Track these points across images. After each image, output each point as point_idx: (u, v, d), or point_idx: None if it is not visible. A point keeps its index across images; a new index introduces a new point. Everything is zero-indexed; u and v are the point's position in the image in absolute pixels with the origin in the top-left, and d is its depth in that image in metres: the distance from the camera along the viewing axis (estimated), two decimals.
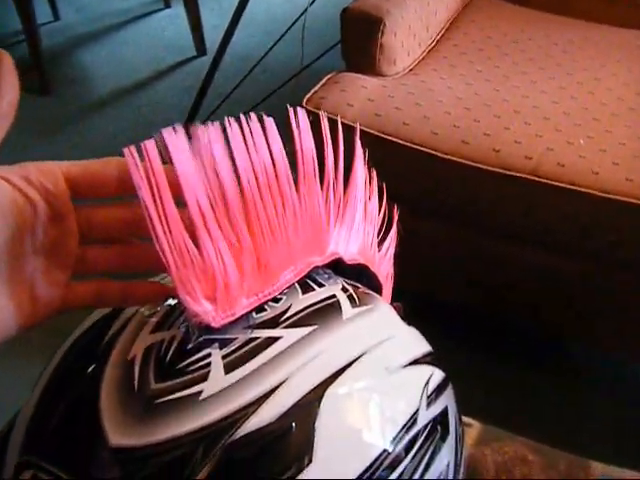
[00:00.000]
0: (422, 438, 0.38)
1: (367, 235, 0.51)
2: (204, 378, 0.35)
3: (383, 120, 1.15)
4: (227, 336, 0.37)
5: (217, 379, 0.35)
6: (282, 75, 1.94)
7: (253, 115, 0.40)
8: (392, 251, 0.58)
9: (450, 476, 0.40)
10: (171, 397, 0.35)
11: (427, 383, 0.41)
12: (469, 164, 1.09)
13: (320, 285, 0.43)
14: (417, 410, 0.39)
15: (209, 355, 0.36)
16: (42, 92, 2.42)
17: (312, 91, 1.22)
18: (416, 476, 0.38)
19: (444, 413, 0.41)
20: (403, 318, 0.47)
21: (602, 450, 0.98)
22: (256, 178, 0.39)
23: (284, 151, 0.41)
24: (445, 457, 0.40)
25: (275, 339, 0.38)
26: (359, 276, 0.50)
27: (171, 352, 0.37)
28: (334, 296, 0.42)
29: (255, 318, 0.39)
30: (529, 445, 0.66)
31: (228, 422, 0.34)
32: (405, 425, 0.38)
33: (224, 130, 0.38)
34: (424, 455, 0.38)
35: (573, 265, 1.15)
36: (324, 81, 1.26)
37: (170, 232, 0.35)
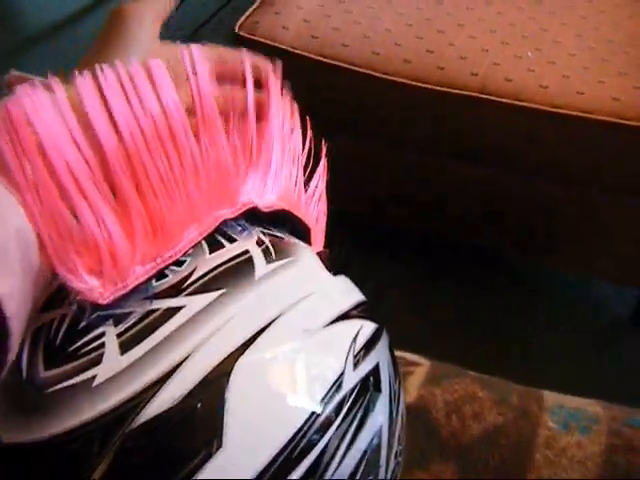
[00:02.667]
0: (352, 399, 0.36)
1: (289, 177, 0.47)
2: (97, 361, 0.32)
3: (321, 42, 1.09)
4: (123, 310, 0.34)
5: (112, 361, 0.32)
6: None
7: (135, 62, 0.35)
8: (321, 189, 0.55)
9: (384, 437, 0.38)
10: (62, 385, 0.32)
11: (354, 339, 0.38)
12: (413, 84, 1.04)
13: (232, 240, 0.40)
14: (343, 371, 0.36)
15: (103, 334, 0.33)
16: None
17: (245, 15, 1.15)
18: (347, 437, 0.35)
19: (375, 370, 0.39)
20: (330, 265, 0.44)
21: (555, 375, 1.00)
22: (142, 131, 0.35)
23: (176, 99, 0.37)
24: (378, 417, 0.38)
25: (176, 309, 0.34)
26: (283, 222, 0.47)
27: (62, 333, 0.34)
28: (246, 252, 0.39)
29: (155, 287, 0.35)
30: (480, 380, 0.64)
31: (126, 409, 0.31)
32: (332, 387, 0.35)
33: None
34: (355, 416, 0.36)
35: (521, 181, 1.13)
36: (257, 3, 1.19)
37: (40, 202, 0.31)
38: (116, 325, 0.33)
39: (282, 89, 0.47)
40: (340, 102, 1.13)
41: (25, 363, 0.33)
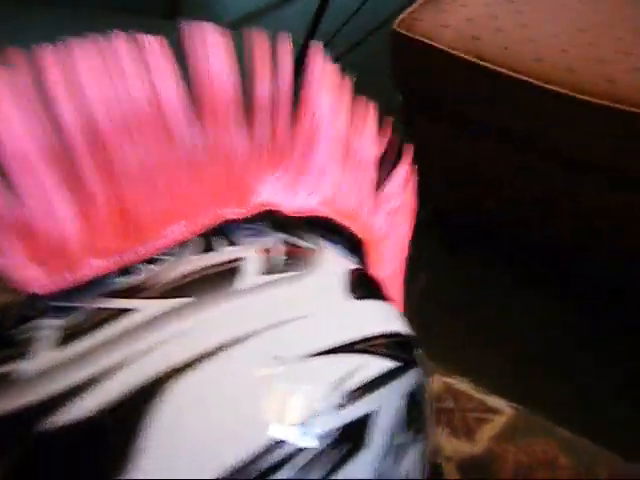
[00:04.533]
0: (320, 449, 0.30)
1: (344, 183, 0.43)
2: (21, 355, 0.30)
3: (481, 44, 1.02)
4: (67, 304, 0.31)
5: (38, 357, 0.30)
6: None
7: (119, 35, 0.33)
8: (402, 200, 0.49)
9: None
10: None
11: (345, 378, 0.33)
12: (578, 97, 0.93)
13: (232, 243, 0.36)
14: (315, 413, 0.31)
15: (37, 327, 0.30)
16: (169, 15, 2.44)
17: (408, 11, 1.11)
18: None
19: (365, 419, 0.33)
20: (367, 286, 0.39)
21: None
22: (123, 115, 0.32)
23: (176, 77, 0.33)
24: (354, 475, 0.32)
25: (126, 312, 0.31)
26: (334, 232, 0.42)
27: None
28: (239, 259, 0.35)
29: (116, 283, 0.32)
30: (567, 443, 0.55)
31: (34, 412, 0.28)
32: (291, 430, 0.30)
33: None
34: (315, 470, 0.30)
35: None
36: (421, 1, 1.14)
37: None
38: (55, 319, 0.31)
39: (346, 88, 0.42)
40: (494, 107, 1.05)
41: None
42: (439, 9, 1.09)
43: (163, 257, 0.34)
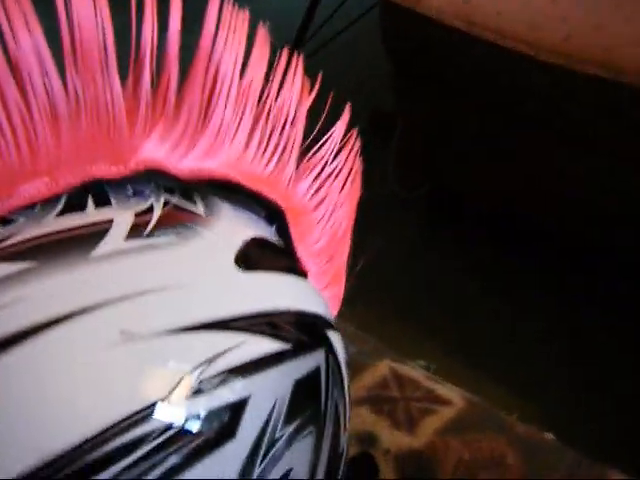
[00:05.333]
0: (164, 437, 0.27)
1: (253, 143, 0.39)
2: None
3: (471, 8, 0.96)
4: None
5: None
6: None
7: None
8: (331, 169, 0.45)
9: None
10: None
11: (214, 358, 0.29)
12: (574, 69, 0.88)
13: (105, 205, 0.32)
14: (161, 398, 0.27)
15: None
16: None
17: None
18: None
19: (238, 406, 0.29)
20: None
21: None
22: None
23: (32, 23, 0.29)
24: (212, 472, 0.28)
25: None
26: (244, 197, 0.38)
27: None
28: (108, 221, 0.31)
29: None
30: (521, 441, 0.51)
31: None
32: (131, 416, 0.26)
33: None
34: (157, 463, 0.27)
35: None
36: None
37: None
38: None
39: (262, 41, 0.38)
40: (483, 77, 1.00)
41: None
42: None
43: (16, 217, 0.30)
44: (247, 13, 0.38)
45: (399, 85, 1.12)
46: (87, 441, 0.25)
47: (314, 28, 1.66)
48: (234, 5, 0.37)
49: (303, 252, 0.43)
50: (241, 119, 0.38)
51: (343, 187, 0.47)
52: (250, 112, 0.38)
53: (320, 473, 0.34)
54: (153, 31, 0.33)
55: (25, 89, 0.30)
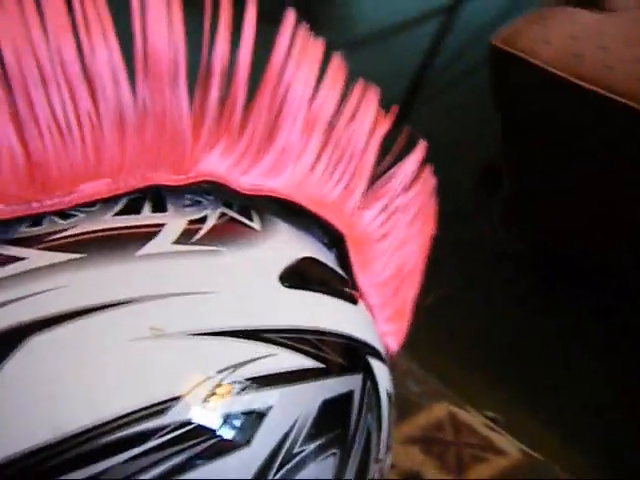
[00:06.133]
0: (179, 434, 0.27)
1: (319, 167, 0.40)
2: None
3: (581, 61, 0.94)
4: None
5: None
6: None
7: None
8: (401, 202, 0.46)
9: None
10: None
11: (238, 366, 0.29)
12: None
13: (162, 210, 0.34)
14: (177, 397, 0.28)
15: None
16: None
17: (512, 24, 1.05)
18: None
19: (257, 415, 0.29)
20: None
21: None
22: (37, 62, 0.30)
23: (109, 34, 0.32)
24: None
25: (15, 259, 0.30)
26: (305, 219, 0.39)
27: None
28: (159, 225, 0.32)
29: (20, 232, 0.31)
30: None
31: None
32: (145, 409, 0.27)
33: None
34: (167, 457, 0.27)
35: None
36: (532, 14, 1.07)
37: None
38: None
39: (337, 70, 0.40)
40: (594, 131, 0.97)
41: None
42: (542, 24, 1.03)
43: (77, 213, 0.32)
44: (322, 42, 0.39)
45: (505, 134, 1.11)
46: (104, 424, 0.26)
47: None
48: (308, 31, 0.38)
49: (365, 282, 0.43)
50: (308, 142, 0.39)
51: (412, 223, 0.47)
52: (318, 137, 0.39)
53: None
54: (225, 49, 0.35)
55: (96, 97, 0.32)
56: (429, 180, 0.48)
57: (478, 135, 1.42)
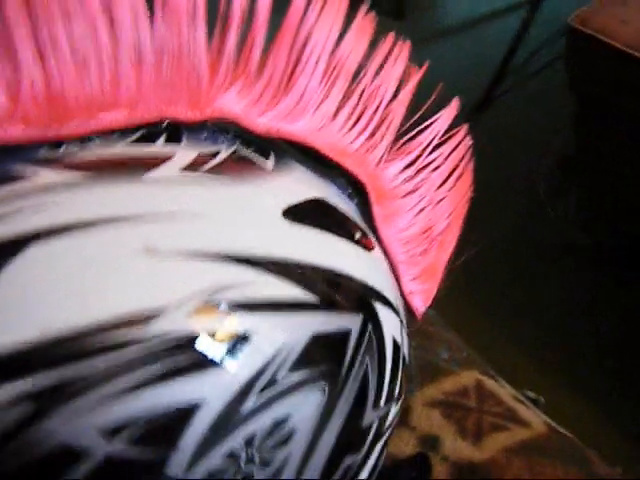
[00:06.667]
0: (156, 343, 0.29)
1: (341, 116, 0.40)
2: None
3: None
4: None
5: None
6: None
7: None
8: (431, 161, 0.46)
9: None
10: None
11: (225, 289, 0.30)
12: None
13: (177, 142, 0.35)
14: (162, 311, 0.29)
15: None
16: (397, 16, 2.48)
17: (590, 4, 1.01)
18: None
19: (239, 338, 0.30)
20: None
21: None
22: None
23: None
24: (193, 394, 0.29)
25: (30, 176, 0.31)
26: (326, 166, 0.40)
27: None
28: (170, 154, 0.34)
29: (39, 154, 0.33)
30: (592, 477, 0.47)
31: None
32: (134, 322, 0.28)
33: None
34: (143, 365, 0.28)
35: None
36: None
37: None
38: None
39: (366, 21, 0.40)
40: None
41: None
42: (620, 3, 0.99)
43: (94, 139, 0.34)
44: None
45: (578, 117, 1.07)
46: (91, 327, 0.28)
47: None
48: None
49: (389, 236, 0.44)
50: (330, 90, 0.39)
51: (444, 183, 0.47)
52: (341, 86, 0.39)
53: (328, 437, 0.34)
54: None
55: (115, 31, 0.33)
56: (465, 142, 0.48)
57: (559, 125, 1.39)
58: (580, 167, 1.22)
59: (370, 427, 0.37)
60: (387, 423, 0.40)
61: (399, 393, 0.41)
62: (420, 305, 0.49)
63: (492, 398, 0.52)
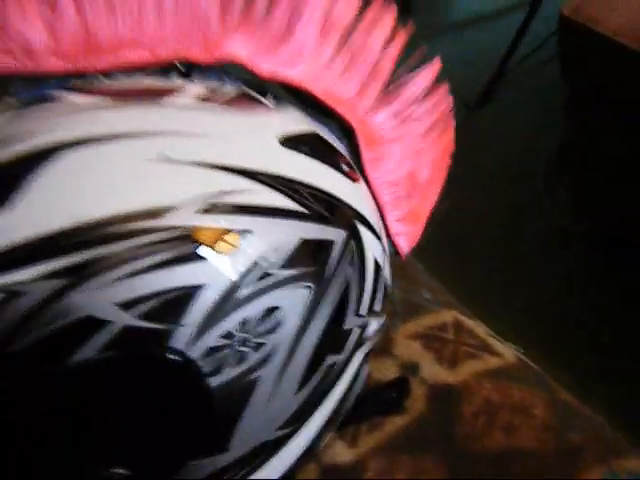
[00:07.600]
0: (162, 236, 0.34)
1: (334, 64, 0.45)
2: None
3: None
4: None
5: None
6: None
7: None
8: (415, 111, 0.51)
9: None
10: None
11: (227, 193, 0.35)
12: None
13: (190, 78, 0.40)
14: (171, 207, 0.34)
15: None
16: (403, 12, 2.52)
17: None
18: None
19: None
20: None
21: None
22: None
23: None
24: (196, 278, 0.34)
25: (64, 99, 0.37)
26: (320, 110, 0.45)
27: None
28: (181, 87, 0.39)
29: (74, 83, 0.39)
30: (554, 401, 0.52)
31: None
32: (147, 214, 0.34)
33: None
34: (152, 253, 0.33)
35: None
36: None
37: None
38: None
39: None
40: None
41: None
42: None
43: (117, 75, 0.39)
44: None
45: (569, 106, 1.12)
46: (111, 218, 0.33)
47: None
48: None
49: (375, 178, 0.49)
50: (325, 42, 0.44)
51: (427, 134, 0.52)
52: (336, 39, 0.44)
53: (313, 332, 0.39)
54: None
55: None
56: (446, 98, 0.53)
57: (558, 117, 1.44)
58: (573, 155, 1.27)
59: (351, 331, 0.42)
60: (367, 334, 0.45)
61: (381, 310, 0.46)
62: (404, 246, 0.54)
63: (469, 333, 0.57)
